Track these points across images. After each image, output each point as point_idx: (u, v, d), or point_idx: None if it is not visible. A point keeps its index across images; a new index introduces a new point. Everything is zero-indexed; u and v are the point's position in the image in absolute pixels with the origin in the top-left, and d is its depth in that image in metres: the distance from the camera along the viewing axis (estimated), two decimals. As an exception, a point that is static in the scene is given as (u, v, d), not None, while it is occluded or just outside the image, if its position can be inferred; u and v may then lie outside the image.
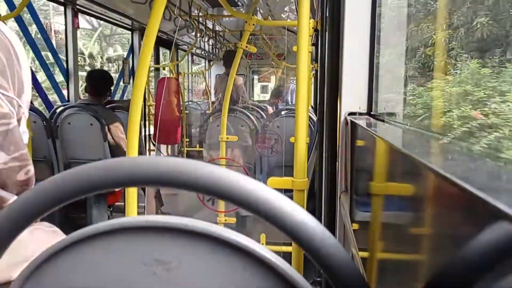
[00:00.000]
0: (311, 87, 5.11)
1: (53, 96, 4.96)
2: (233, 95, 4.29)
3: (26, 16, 4.34)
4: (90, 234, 0.42)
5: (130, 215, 1.61)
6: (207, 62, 9.01)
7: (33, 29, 4.60)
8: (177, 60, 6.94)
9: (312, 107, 5.05)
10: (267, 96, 10.80)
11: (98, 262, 0.42)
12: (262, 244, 2.89)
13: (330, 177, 1.67)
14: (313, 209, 2.53)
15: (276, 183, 1.55)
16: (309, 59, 1.80)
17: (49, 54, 4.69)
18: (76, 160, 3.40)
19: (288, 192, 1.21)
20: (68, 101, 4.22)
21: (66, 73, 4.27)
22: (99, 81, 3.47)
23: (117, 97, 5.79)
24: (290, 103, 7.37)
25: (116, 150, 3.34)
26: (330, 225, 1.67)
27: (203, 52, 7.03)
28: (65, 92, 4.37)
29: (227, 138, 3.40)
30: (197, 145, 6.61)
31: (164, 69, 7.14)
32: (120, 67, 5.48)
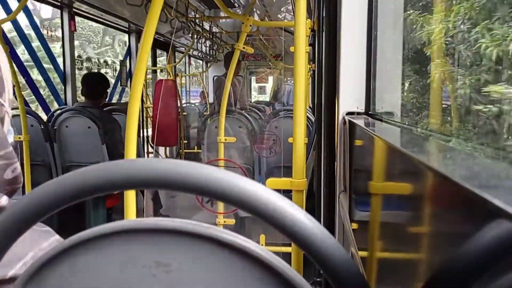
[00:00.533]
0: (309, 87, 5.12)
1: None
2: (231, 97, 4.29)
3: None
4: (89, 237, 0.42)
5: (128, 217, 1.61)
6: (204, 63, 9.01)
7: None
8: (174, 62, 6.95)
9: (310, 107, 5.06)
10: (265, 97, 10.81)
11: (97, 265, 0.42)
12: (262, 245, 2.89)
13: (328, 177, 1.67)
14: (312, 209, 2.53)
15: (274, 183, 1.55)
16: (307, 60, 1.80)
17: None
18: (74, 163, 3.40)
19: (287, 193, 1.21)
20: (66, 104, 4.22)
21: (63, 76, 4.26)
22: (95, 84, 3.47)
23: (114, 99, 5.79)
24: (286, 104, 7.37)
25: (114, 153, 3.34)
26: (330, 225, 1.68)
27: (200, 54, 7.03)
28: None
29: (225, 139, 3.40)
30: (195, 147, 6.61)
31: (161, 71, 7.14)
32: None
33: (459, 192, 0.36)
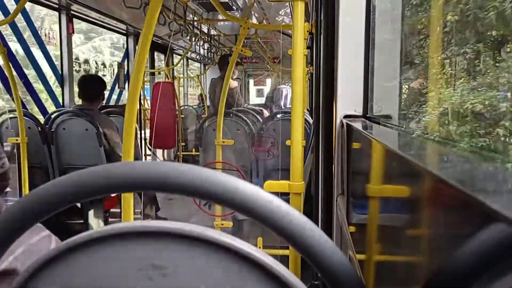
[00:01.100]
0: (307, 90, 5.13)
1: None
2: (228, 99, 4.29)
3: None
4: (86, 240, 0.42)
5: (126, 220, 1.61)
6: (202, 66, 9.02)
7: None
8: (172, 64, 6.95)
9: (307, 110, 5.06)
10: (261, 100, 10.81)
11: (94, 268, 0.42)
12: (259, 248, 2.88)
13: (326, 180, 1.67)
14: (309, 212, 2.53)
15: (272, 186, 1.54)
16: (304, 62, 1.80)
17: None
18: (72, 166, 3.39)
19: (284, 196, 1.21)
20: (63, 106, 4.21)
21: (61, 79, 4.26)
22: (91, 86, 3.46)
23: (112, 102, 5.78)
24: (283, 107, 7.38)
25: (112, 155, 3.33)
26: (327, 228, 1.67)
27: (198, 56, 7.03)
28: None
29: (223, 142, 3.40)
30: (193, 149, 6.61)
31: (159, 73, 7.14)
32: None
33: (456, 195, 0.36)
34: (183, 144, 6.86)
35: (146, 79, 6.23)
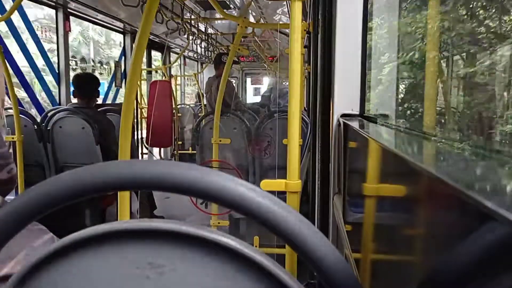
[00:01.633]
0: (304, 89, 5.13)
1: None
2: (225, 98, 4.29)
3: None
4: (83, 238, 0.42)
5: (122, 219, 1.60)
6: (199, 64, 9.01)
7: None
8: (169, 63, 6.94)
9: (305, 109, 5.06)
10: (258, 99, 10.80)
11: (91, 266, 0.42)
12: (256, 246, 2.88)
13: (323, 179, 1.68)
14: (306, 211, 2.53)
15: (269, 185, 1.54)
16: (302, 61, 1.80)
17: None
18: (68, 164, 3.38)
19: (281, 194, 1.21)
20: (60, 104, 4.20)
21: (57, 77, 4.25)
22: (86, 84, 3.46)
23: (108, 100, 5.77)
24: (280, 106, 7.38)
25: (109, 154, 3.32)
26: (324, 227, 1.68)
27: (195, 55, 7.02)
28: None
29: (220, 140, 3.39)
30: (190, 148, 6.60)
31: (156, 71, 7.13)
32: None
33: (452, 194, 0.36)
34: (180, 142, 6.86)
35: (143, 78, 6.22)
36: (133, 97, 1.57)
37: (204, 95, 5.64)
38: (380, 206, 0.79)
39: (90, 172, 0.40)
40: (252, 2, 4.59)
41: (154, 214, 4.11)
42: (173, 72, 7.50)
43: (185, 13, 4.43)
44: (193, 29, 5.11)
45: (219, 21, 6.08)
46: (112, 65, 5.79)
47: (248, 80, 12.91)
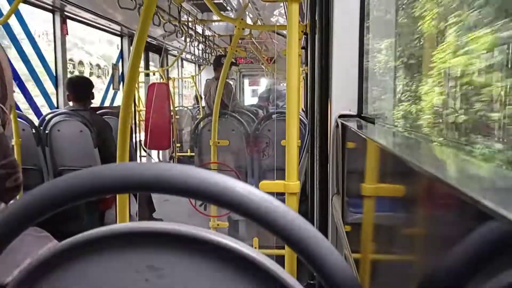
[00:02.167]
0: (302, 90, 5.13)
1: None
2: (223, 99, 4.29)
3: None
4: (82, 241, 0.42)
5: (121, 221, 1.60)
6: (197, 66, 9.00)
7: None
8: (167, 65, 6.94)
9: (303, 110, 5.07)
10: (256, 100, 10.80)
11: (90, 269, 0.42)
12: (255, 248, 2.87)
13: (322, 180, 1.68)
14: (305, 212, 2.53)
15: (268, 186, 1.54)
16: (299, 63, 1.80)
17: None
18: (67, 167, 3.38)
19: (280, 196, 1.21)
20: (57, 108, 4.19)
21: (55, 80, 4.24)
22: (79, 86, 3.46)
23: (106, 103, 5.76)
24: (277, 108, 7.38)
25: (107, 157, 3.32)
26: (323, 227, 1.68)
27: (193, 57, 7.02)
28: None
29: (218, 142, 3.39)
30: (188, 150, 6.60)
31: (154, 74, 7.12)
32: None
33: (450, 193, 0.36)
34: (179, 145, 6.85)
35: (140, 80, 6.22)
36: (131, 100, 1.57)
37: (203, 97, 5.64)
38: (379, 206, 0.79)
39: (89, 175, 0.40)
40: (249, 4, 4.60)
41: (153, 217, 4.11)
42: (170, 75, 7.51)
43: (182, 15, 4.43)
44: (191, 31, 5.11)
45: (216, 23, 6.08)
46: (103, 66, 5.78)
47: (246, 81, 12.92)
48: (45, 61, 4.37)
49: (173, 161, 6.69)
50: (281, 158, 1.79)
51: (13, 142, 3.17)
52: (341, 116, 1.48)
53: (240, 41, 5.72)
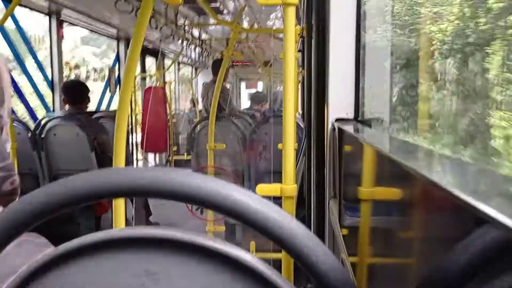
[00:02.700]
0: (299, 93, 5.13)
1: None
2: (220, 103, 4.29)
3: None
4: (77, 246, 0.42)
5: (117, 226, 1.60)
6: (194, 70, 9.01)
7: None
8: (163, 68, 6.94)
9: (299, 113, 5.07)
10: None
11: (86, 275, 0.42)
12: (252, 252, 2.87)
13: (318, 183, 1.68)
14: (302, 216, 2.53)
15: (264, 190, 1.54)
16: (296, 66, 1.80)
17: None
18: (63, 172, 3.36)
19: (277, 199, 1.21)
20: (53, 111, 4.18)
21: (51, 84, 4.23)
22: (74, 90, 3.46)
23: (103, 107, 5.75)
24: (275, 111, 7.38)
25: (103, 161, 3.31)
26: (320, 231, 1.68)
27: (189, 60, 7.03)
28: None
29: (215, 146, 3.39)
30: (185, 153, 6.59)
31: (150, 77, 7.12)
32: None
33: (447, 198, 0.36)
34: (175, 148, 6.84)
35: (137, 84, 6.22)
36: (127, 103, 1.57)
37: (201, 100, 5.64)
38: (376, 210, 0.79)
39: (85, 180, 0.40)
40: (246, 7, 4.61)
41: (150, 221, 4.09)
42: (167, 78, 7.51)
43: (179, 18, 4.44)
44: (187, 35, 5.11)
45: (212, 27, 6.09)
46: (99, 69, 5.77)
47: (243, 85, 12.93)
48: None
49: (170, 165, 6.67)
50: (278, 161, 1.79)
51: (10, 146, 3.15)
52: (337, 120, 1.48)
53: (237, 44, 5.73)
